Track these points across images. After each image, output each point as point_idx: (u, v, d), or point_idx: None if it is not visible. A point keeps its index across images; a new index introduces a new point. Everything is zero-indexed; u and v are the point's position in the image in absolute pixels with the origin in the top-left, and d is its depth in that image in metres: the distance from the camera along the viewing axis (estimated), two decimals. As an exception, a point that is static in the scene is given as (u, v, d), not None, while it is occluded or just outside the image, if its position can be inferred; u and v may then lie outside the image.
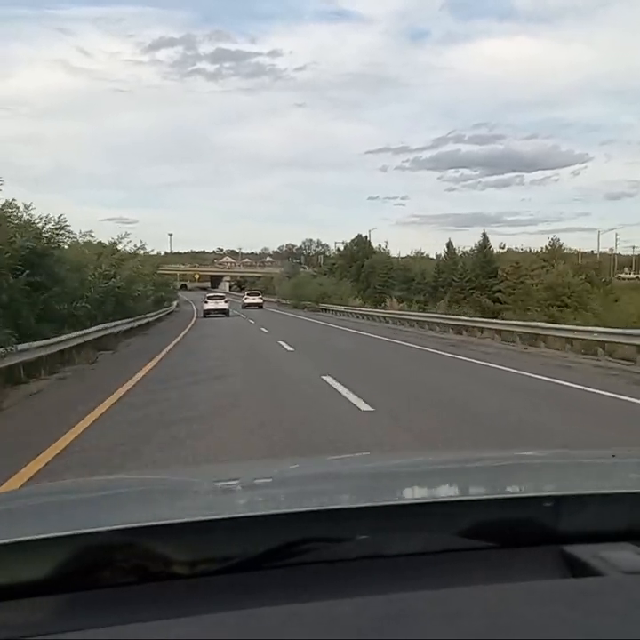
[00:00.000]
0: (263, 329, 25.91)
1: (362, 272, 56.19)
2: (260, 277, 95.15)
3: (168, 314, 40.03)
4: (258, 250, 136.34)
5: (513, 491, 1.30)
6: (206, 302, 42.16)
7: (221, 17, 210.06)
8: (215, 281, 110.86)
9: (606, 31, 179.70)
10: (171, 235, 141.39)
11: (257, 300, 54.45)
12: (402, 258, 59.45)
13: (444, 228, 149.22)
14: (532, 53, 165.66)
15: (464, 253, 49.52)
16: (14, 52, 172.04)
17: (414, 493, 1.34)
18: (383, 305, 44.30)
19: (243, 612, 0.75)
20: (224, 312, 40.19)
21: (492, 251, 48.25)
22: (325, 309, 45.40)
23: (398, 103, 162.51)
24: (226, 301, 42.12)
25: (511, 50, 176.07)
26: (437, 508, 1.05)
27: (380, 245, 62.97)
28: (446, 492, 1.32)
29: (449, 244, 52.23)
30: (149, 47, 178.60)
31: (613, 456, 1.55)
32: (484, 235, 49.89)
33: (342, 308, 41.71)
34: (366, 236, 64.09)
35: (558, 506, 1.01)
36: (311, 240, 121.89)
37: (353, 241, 63.97)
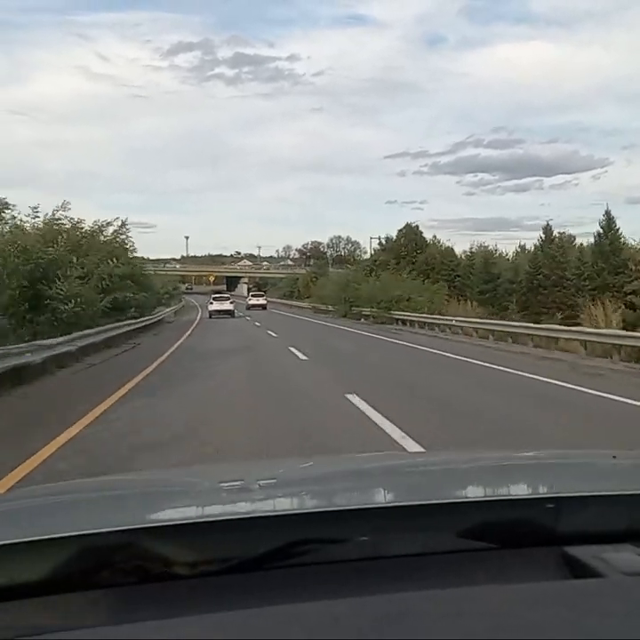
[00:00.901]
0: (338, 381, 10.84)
1: (413, 269, 41.74)
2: (282, 278, 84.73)
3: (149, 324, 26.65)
4: (276, 253, 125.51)
5: (513, 492, 1.31)
6: (211, 303, 42.30)
7: (238, 22, 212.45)
8: (232, 283, 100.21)
9: (624, 35, 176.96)
10: (187, 238, 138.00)
11: (261, 300, 54.43)
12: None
13: (462, 233, 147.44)
14: (550, 57, 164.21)
15: (578, 245, 37.73)
16: (35, 59, 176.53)
17: (414, 494, 1.33)
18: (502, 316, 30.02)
19: (243, 612, 0.76)
20: (229, 313, 40.19)
21: (620, 237, 34.57)
22: (404, 321, 28.42)
23: (416, 108, 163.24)
24: (231, 302, 42.26)
25: (529, 54, 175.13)
26: (437, 509, 1.04)
27: (434, 237, 49.92)
28: (446, 493, 1.31)
29: (547, 229, 38.04)
30: (168, 52, 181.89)
31: (614, 457, 1.54)
32: (608, 214, 34.88)
33: (442, 320, 24.85)
34: (416, 225, 50.94)
35: (558, 507, 1.00)
36: (339, 237, 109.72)
37: (400, 232, 50.42)
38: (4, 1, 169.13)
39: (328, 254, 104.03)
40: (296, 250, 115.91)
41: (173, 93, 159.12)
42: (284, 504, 1.26)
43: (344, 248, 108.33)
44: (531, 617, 0.70)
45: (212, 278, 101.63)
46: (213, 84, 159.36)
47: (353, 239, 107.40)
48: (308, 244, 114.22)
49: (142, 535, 0.91)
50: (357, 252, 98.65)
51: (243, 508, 1.23)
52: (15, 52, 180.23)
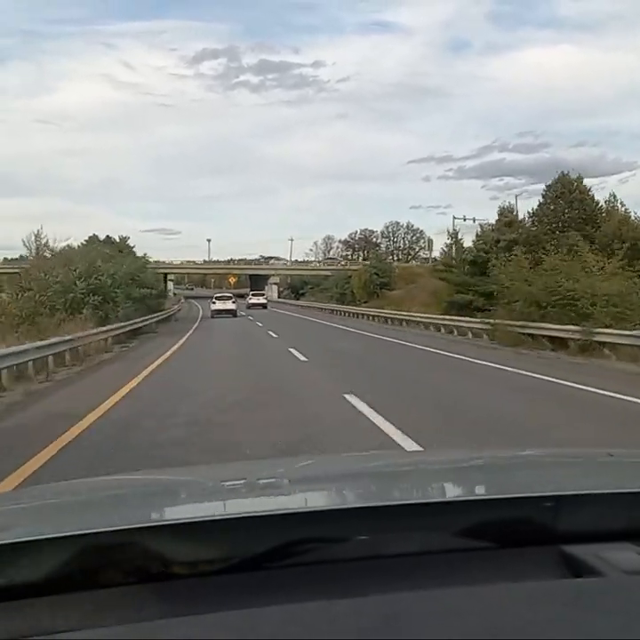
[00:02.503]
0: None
1: (595, 247, 22.07)
2: (327, 276, 62.47)
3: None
4: (312, 248, 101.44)
5: (512, 490, 1.27)
6: (214, 302, 41.17)
7: (263, 29, 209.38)
8: (258, 284, 76.95)
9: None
10: (209, 240, 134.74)
11: (262, 300, 53.54)
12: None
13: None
14: (577, 61, 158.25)
15: None
16: (61, 68, 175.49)
17: (414, 493, 1.33)
18: None
19: (242, 611, 0.76)
20: (231, 312, 39.37)
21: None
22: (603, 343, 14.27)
23: (442, 113, 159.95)
24: (233, 302, 41.31)
25: (555, 58, 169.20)
26: (437, 508, 1.04)
27: (612, 197, 30.52)
28: (445, 492, 1.31)
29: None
30: (193, 59, 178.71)
31: (611, 455, 1.55)
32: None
33: None
34: (580, 178, 31.79)
35: (558, 506, 1.00)
36: (397, 223, 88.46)
37: (550, 190, 31.78)
38: (31, 12, 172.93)
39: (383, 246, 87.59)
40: (340, 241, 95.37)
41: (198, 101, 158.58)
42: (283, 503, 1.26)
43: (403, 238, 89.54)
44: (530, 616, 0.70)
45: (232, 280, 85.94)
46: (238, 92, 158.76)
47: (413, 226, 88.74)
48: (354, 233, 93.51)
49: (142, 535, 0.91)
50: (422, 242, 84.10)
51: (242, 508, 1.23)
52: (42, 62, 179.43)
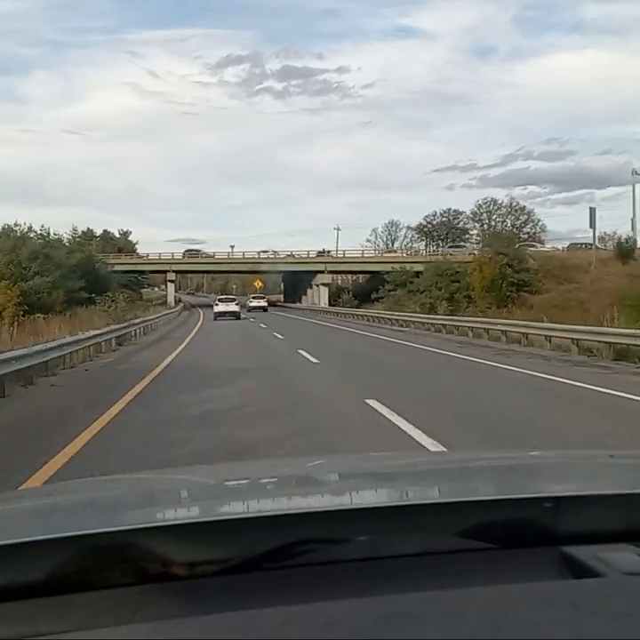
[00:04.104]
0: None
1: None
2: (417, 274, 40.04)
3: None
4: (365, 239, 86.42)
5: (512, 491, 1.28)
6: (217, 304, 39.91)
7: (287, 36, 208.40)
8: (296, 288, 61.21)
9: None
10: (232, 247, 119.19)
11: (262, 303, 52.42)
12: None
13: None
14: (602, 67, 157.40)
15: None
16: (87, 78, 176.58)
17: (414, 494, 1.34)
18: None
19: (242, 613, 0.75)
20: (234, 314, 38.29)
21: None
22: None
23: (467, 120, 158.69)
24: (236, 304, 40.43)
25: (581, 64, 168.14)
26: (437, 509, 1.05)
27: None
28: (446, 493, 1.32)
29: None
30: (216, 66, 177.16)
31: (611, 457, 1.55)
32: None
33: None
34: None
35: (558, 507, 1.00)
36: (495, 202, 68.48)
37: None
38: (58, 23, 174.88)
39: (474, 233, 68.33)
40: (409, 227, 73.98)
41: (222, 109, 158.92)
42: (283, 504, 1.26)
43: (503, 221, 66.81)
44: (530, 617, 0.70)
45: (258, 284, 67.02)
46: (261, 99, 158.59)
47: (518, 204, 69.37)
48: (432, 215, 72.17)
49: (142, 535, 0.91)
50: (539, 226, 65.58)
51: (242, 508, 1.23)
52: (68, 72, 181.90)
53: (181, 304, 56.66)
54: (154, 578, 0.87)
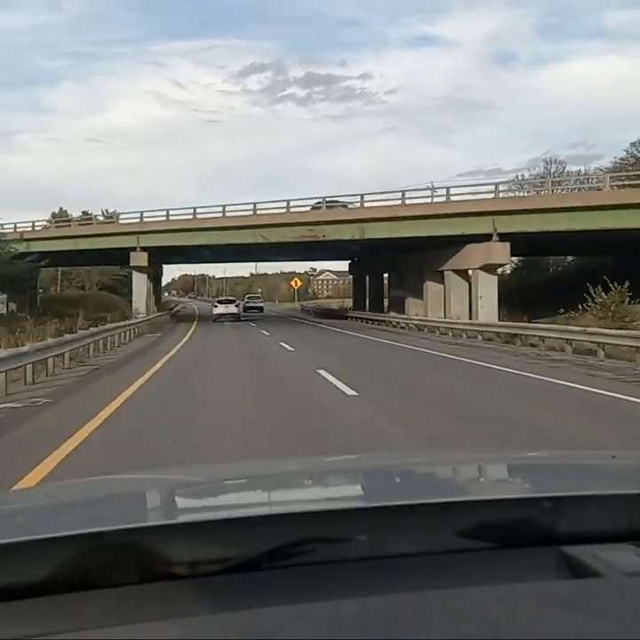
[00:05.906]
0: None
1: None
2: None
3: None
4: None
5: (513, 491, 1.29)
6: (216, 306, 39.19)
7: (310, 46, 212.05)
8: (404, 281, 31.96)
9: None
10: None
11: (259, 303, 52.24)
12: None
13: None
14: (627, 71, 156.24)
15: None
16: (112, 88, 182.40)
17: (414, 494, 1.32)
18: None
19: (243, 612, 0.76)
20: (234, 316, 37.74)
21: None
22: None
23: (490, 125, 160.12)
24: (236, 305, 40.00)
25: (604, 69, 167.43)
26: (437, 509, 1.04)
27: None
28: (446, 493, 1.31)
29: None
30: (239, 74, 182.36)
31: (613, 457, 1.55)
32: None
33: None
34: None
35: (558, 507, 1.01)
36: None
37: None
38: (84, 35, 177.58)
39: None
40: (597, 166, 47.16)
41: (246, 117, 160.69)
42: (283, 504, 1.26)
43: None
44: (530, 617, 0.70)
45: (297, 283, 55.65)
46: (284, 106, 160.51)
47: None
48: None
49: (143, 535, 0.91)
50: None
51: (243, 508, 1.23)
52: (94, 82, 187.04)
53: (168, 314, 41.30)
54: (154, 577, 0.87)
